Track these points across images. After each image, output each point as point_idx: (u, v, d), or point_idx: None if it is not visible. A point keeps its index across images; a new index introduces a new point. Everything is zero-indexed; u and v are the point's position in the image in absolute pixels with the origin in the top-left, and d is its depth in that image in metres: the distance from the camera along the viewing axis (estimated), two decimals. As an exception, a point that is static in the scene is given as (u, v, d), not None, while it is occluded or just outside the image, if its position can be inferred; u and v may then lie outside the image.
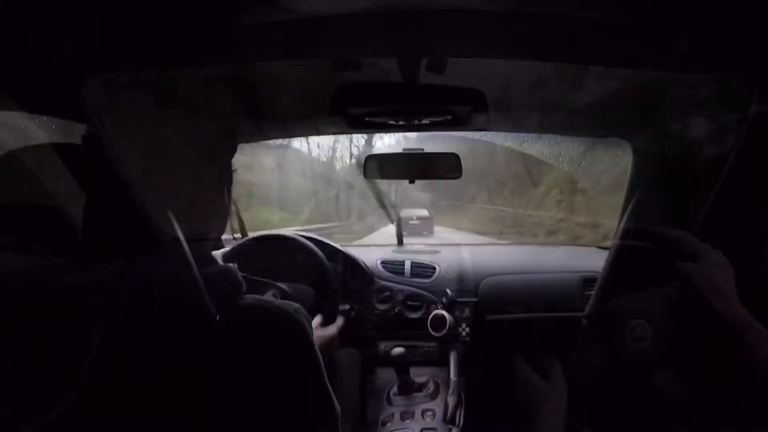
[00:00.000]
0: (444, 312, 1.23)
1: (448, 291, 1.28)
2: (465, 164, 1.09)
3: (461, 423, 1.03)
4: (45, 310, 0.38)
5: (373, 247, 1.81)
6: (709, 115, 0.73)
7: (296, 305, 0.53)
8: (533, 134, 1.50)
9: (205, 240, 0.54)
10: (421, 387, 1.18)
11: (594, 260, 1.44)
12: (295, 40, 0.69)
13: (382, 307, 1.36)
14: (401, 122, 1.01)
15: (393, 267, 1.45)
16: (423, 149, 1.17)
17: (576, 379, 0.63)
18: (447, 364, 1.20)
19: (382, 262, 1.45)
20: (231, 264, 0.50)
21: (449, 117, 0.98)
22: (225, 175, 0.55)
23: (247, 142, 1.24)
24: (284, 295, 1.12)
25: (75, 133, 0.54)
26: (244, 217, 1.28)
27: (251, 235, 1.31)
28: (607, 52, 0.74)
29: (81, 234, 0.44)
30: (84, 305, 0.41)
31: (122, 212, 0.43)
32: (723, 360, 0.43)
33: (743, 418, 0.41)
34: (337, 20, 0.63)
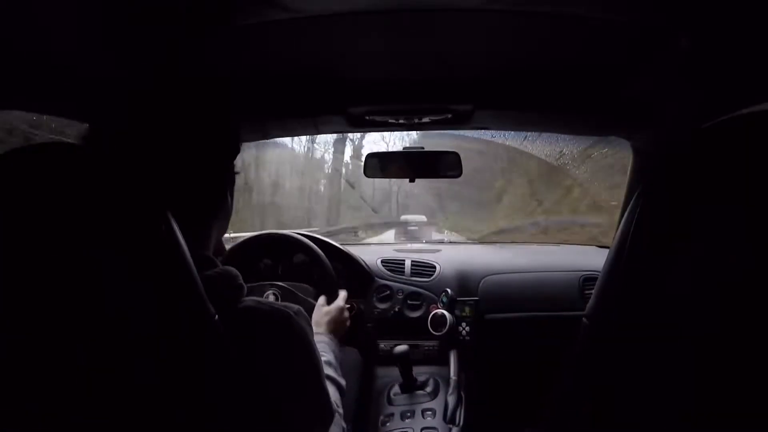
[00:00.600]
0: (444, 311, 1.23)
1: (448, 290, 1.28)
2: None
3: (461, 422, 1.03)
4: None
5: (374, 246, 1.82)
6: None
7: (297, 307, 0.53)
8: (533, 133, 1.51)
9: (206, 241, 0.54)
10: (421, 386, 1.18)
11: (594, 259, 1.45)
12: (295, 40, 0.69)
13: (382, 306, 1.36)
14: (401, 121, 1.01)
15: (393, 266, 1.45)
16: (423, 147, 1.17)
17: (576, 378, 0.63)
18: (447, 364, 1.20)
19: (382, 261, 1.45)
20: (230, 267, 0.50)
21: (449, 116, 0.98)
22: (227, 176, 0.55)
23: (247, 141, 1.24)
24: (284, 294, 1.13)
25: (76, 132, 0.54)
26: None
27: (251, 234, 1.31)
28: (607, 52, 0.74)
29: None
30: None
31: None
32: (723, 360, 0.43)
33: (743, 418, 0.41)
34: (337, 20, 0.63)
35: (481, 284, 1.36)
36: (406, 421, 1.06)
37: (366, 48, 0.75)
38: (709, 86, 0.70)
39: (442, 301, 1.27)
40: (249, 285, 0.55)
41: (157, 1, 0.55)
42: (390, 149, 1.23)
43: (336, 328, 0.94)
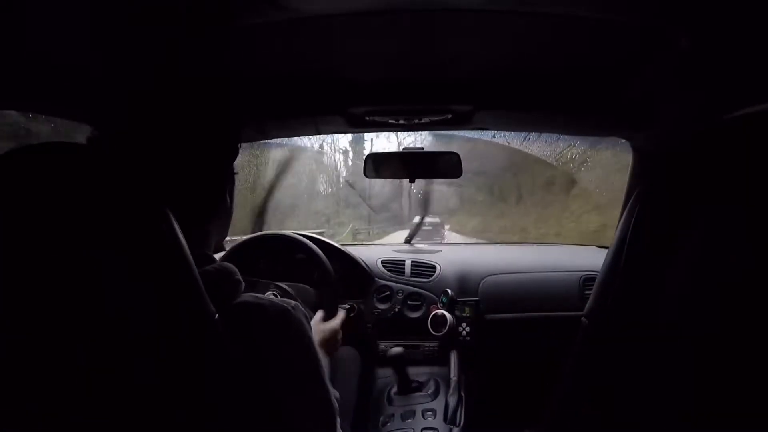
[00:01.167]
0: (444, 311, 1.23)
1: (448, 290, 1.28)
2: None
3: (461, 423, 1.03)
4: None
5: (374, 247, 1.81)
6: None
7: (294, 302, 0.53)
8: (534, 133, 1.50)
9: (206, 242, 0.54)
10: (421, 386, 1.18)
11: (594, 259, 1.45)
12: (295, 40, 0.69)
13: (382, 306, 1.36)
14: (401, 121, 1.01)
15: (393, 266, 1.44)
16: (423, 148, 1.17)
17: (576, 378, 0.63)
18: (447, 364, 1.20)
19: (382, 262, 1.45)
20: (228, 263, 0.50)
21: (449, 116, 0.98)
22: (226, 177, 0.56)
23: (247, 141, 1.24)
24: (285, 294, 1.12)
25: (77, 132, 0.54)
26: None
27: (252, 235, 1.31)
28: (607, 53, 0.74)
29: None
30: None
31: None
32: (724, 359, 0.43)
33: (743, 418, 0.41)
34: (338, 20, 0.63)
35: (481, 284, 1.36)
36: (407, 421, 1.05)
37: (366, 48, 0.75)
38: (709, 86, 0.70)
39: (443, 302, 1.27)
40: (250, 280, 0.55)
41: (157, 1, 0.55)
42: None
43: (327, 348, 0.92)
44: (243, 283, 0.50)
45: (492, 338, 1.30)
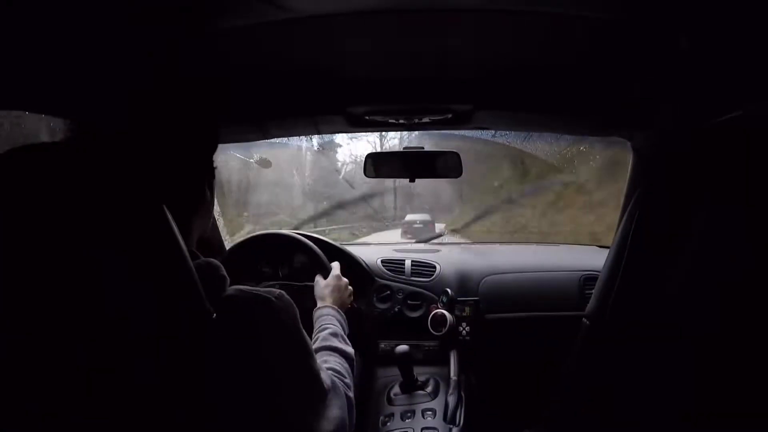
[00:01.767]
0: (444, 311, 1.23)
1: (448, 290, 1.28)
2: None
3: (461, 422, 1.03)
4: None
5: (373, 246, 1.81)
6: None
7: (278, 291, 0.53)
8: (534, 133, 1.50)
9: (188, 236, 0.54)
10: (421, 386, 1.18)
11: (594, 259, 1.44)
12: (295, 40, 0.69)
13: (382, 306, 1.36)
14: (401, 121, 1.01)
15: (393, 266, 1.44)
16: (423, 147, 1.17)
17: (576, 378, 0.63)
18: (447, 364, 1.20)
19: (382, 261, 1.45)
20: (213, 259, 0.50)
21: (449, 116, 0.98)
22: (206, 171, 0.56)
23: (247, 141, 1.24)
24: (291, 294, 1.12)
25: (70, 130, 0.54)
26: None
27: (252, 234, 1.31)
28: (606, 52, 0.74)
29: None
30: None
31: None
32: (724, 359, 0.43)
33: (743, 418, 0.41)
34: (337, 19, 0.63)
35: (481, 284, 1.36)
36: (406, 421, 1.05)
37: (366, 48, 0.75)
38: (708, 86, 0.70)
39: (442, 301, 1.27)
40: (249, 285, 0.55)
41: (157, 1, 0.55)
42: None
43: (339, 296, 0.95)
44: (228, 279, 0.50)
45: (492, 338, 1.30)
